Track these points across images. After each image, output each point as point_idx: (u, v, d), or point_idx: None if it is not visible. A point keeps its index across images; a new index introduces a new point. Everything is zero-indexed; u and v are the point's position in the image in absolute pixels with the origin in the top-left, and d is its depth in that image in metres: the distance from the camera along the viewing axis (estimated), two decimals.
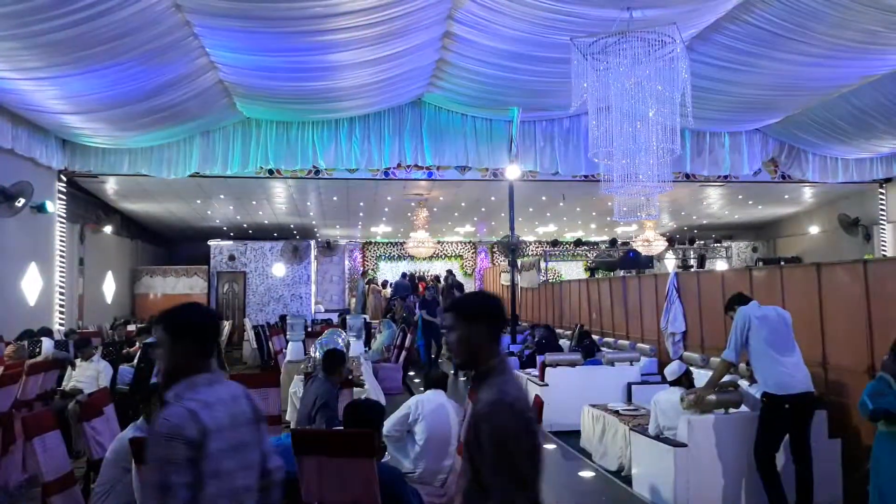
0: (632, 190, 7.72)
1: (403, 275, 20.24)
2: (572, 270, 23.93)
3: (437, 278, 20.39)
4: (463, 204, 16.06)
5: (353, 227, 20.14)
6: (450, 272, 20.60)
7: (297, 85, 9.49)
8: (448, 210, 16.86)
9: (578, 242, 21.19)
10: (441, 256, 23.66)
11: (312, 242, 19.93)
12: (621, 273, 18.93)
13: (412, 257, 22.54)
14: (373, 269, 22.89)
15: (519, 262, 15.83)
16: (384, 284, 20.51)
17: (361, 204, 15.80)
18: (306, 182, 12.97)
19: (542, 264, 17.29)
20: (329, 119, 11.49)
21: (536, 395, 3.84)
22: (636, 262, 17.02)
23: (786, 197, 16.22)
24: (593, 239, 23.64)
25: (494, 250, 24.10)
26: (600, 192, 8.08)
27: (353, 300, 21.07)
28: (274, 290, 19.06)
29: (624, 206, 8.04)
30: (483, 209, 16.84)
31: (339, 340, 7.11)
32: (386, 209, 16.54)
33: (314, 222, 18.92)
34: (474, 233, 22.39)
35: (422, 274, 22.78)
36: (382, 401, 6.71)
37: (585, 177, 12.35)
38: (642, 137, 7.10)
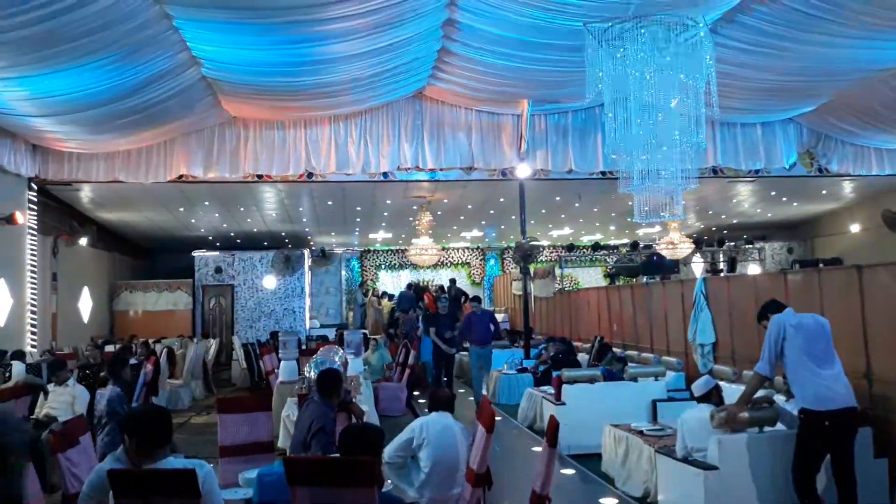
0: (654, 188, 7.71)
1: (409, 286, 20.27)
2: (590, 277, 23.89)
3: (441, 288, 20.41)
4: (469, 206, 16.08)
5: (349, 234, 20.16)
6: (453, 281, 20.62)
7: (287, 80, 9.55)
8: (453, 213, 16.88)
9: (596, 246, 21.17)
10: (446, 264, 23.69)
11: (306, 251, 19.97)
12: (644, 279, 18.91)
13: (415, 266, 22.61)
14: (372, 280, 22.93)
15: (532, 268, 15.83)
16: (381, 296, 20.54)
17: (359, 209, 15.84)
18: (299, 186, 13.00)
19: (558, 271, 17.29)
20: (322, 117, 11.53)
21: (552, 416, 3.83)
22: (660, 266, 17.00)
23: (823, 192, 16.17)
24: (613, 242, 23.60)
25: (504, 257, 24.10)
26: (619, 190, 8.06)
27: (352, 314, 21.14)
28: (264, 304, 19.11)
29: (645, 206, 8.02)
30: (491, 212, 16.85)
31: (336, 359, 7.11)
32: (385, 214, 16.57)
33: (307, 230, 18.98)
34: (482, 238, 22.40)
35: (426, 284, 22.82)
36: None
37: (603, 174, 12.36)
38: (664, 130, 7.10)
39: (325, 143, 11.57)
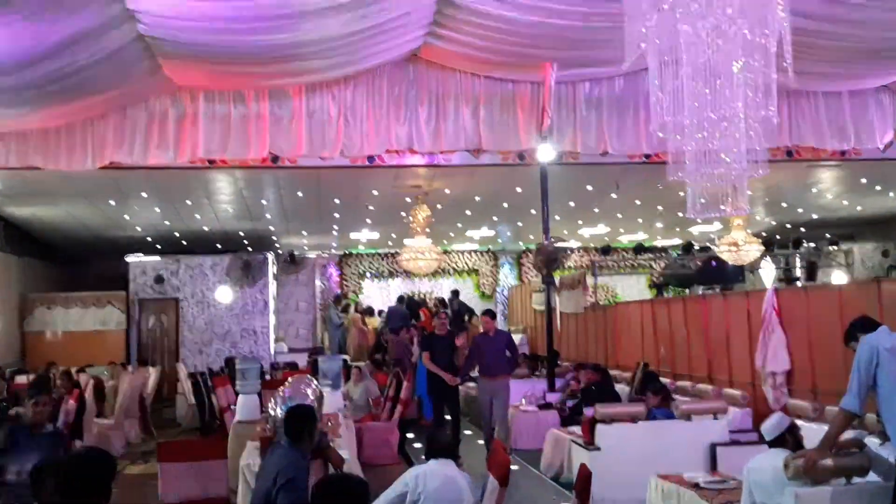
0: (712, 174, 7.71)
1: (400, 299, 20.32)
2: (632, 288, 23.91)
3: (441, 302, 20.43)
4: (477, 199, 16.10)
5: (326, 233, 20.19)
6: (455, 294, 20.65)
7: (246, 39, 9.56)
8: (457, 208, 16.91)
9: (639, 249, 21.19)
10: (448, 272, 23.76)
11: (270, 256, 20.03)
12: (700, 290, 18.94)
13: (408, 274, 22.60)
14: (354, 292, 22.99)
15: (557, 277, 15.83)
16: (366, 312, 20.58)
17: (337, 201, 15.87)
18: (261, 174, 12.98)
19: (590, 280, 17.30)
20: (290, 87, 11.57)
21: (583, 465, 3.84)
22: (720, 274, 17.04)
23: None
24: (660, 243, 23.61)
25: (522, 262, 24.12)
26: (668, 177, 8.07)
27: (328, 335, 21.16)
28: (218, 322, 19.15)
29: (701, 197, 8.00)
30: (505, 205, 16.89)
31: (309, 392, 7.12)
32: (371, 208, 16.60)
33: (272, 228, 19.04)
34: (494, 239, 22.41)
35: (423, 297, 22.86)
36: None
37: (647, 157, 12.38)
38: (725, 101, 7.11)
39: (294, 120, 11.58)
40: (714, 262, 17.65)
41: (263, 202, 15.81)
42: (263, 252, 19.98)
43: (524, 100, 12.13)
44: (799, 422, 6.12)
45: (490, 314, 11.21)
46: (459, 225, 19.64)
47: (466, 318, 19.13)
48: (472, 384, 12.78)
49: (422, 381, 14.33)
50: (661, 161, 11.70)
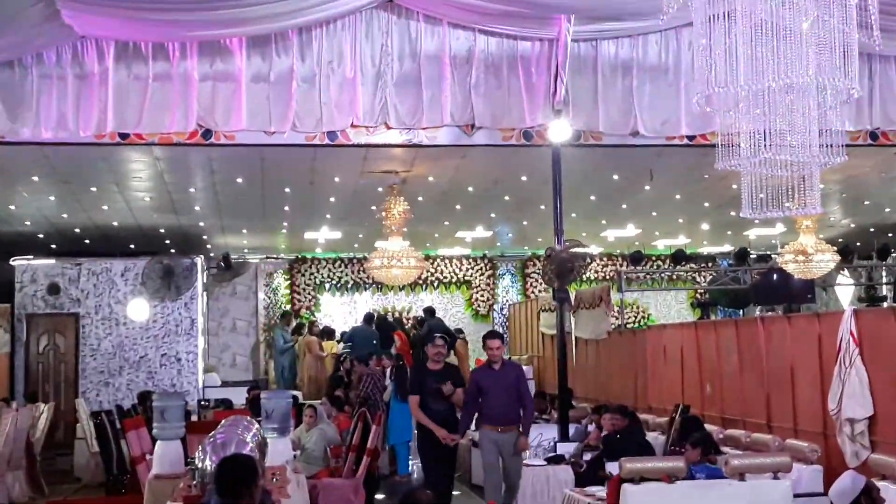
0: (773, 161, 7.74)
1: (368, 317, 20.23)
2: (669, 307, 23.93)
3: (420, 322, 20.39)
4: (470, 189, 16.10)
5: (272, 231, 20.13)
6: (429, 313, 20.53)
7: None
8: (443, 201, 16.92)
9: (680, 257, 21.21)
10: (434, 283, 23.72)
11: (200, 260, 19.91)
12: (757, 311, 18.95)
13: (380, 286, 22.56)
14: (308, 308, 22.93)
15: (573, 292, 15.81)
16: (323, 334, 20.48)
17: (287, 191, 15.84)
18: (188, 152, 12.94)
19: (615, 296, 17.30)
20: (227, 39, 11.53)
21: None
22: (783, 291, 17.06)
23: None
24: (706, 250, 23.64)
25: (528, 272, 24.12)
26: (717, 166, 8.08)
27: (274, 363, 21.06)
28: (130, 346, 19.03)
29: (760, 192, 8.05)
30: (507, 198, 16.89)
31: (249, 438, 7.10)
32: (332, 200, 16.59)
33: (202, 224, 18.98)
34: (491, 241, 22.38)
35: (398, 315, 22.79)
36: None
37: (689, 139, 12.39)
38: (791, 68, 7.12)
39: (231, 84, 11.55)
40: (775, 276, 17.68)
41: (191, 190, 15.75)
42: (191, 255, 19.85)
43: (532, 63, 12.12)
44: (882, 483, 6.14)
45: (496, 337, 10.65)
46: (447, 223, 19.59)
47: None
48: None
49: (396, 424, 14.36)
50: (707, 144, 11.73)
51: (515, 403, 10.26)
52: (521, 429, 10.29)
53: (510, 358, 19.31)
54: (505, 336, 22.15)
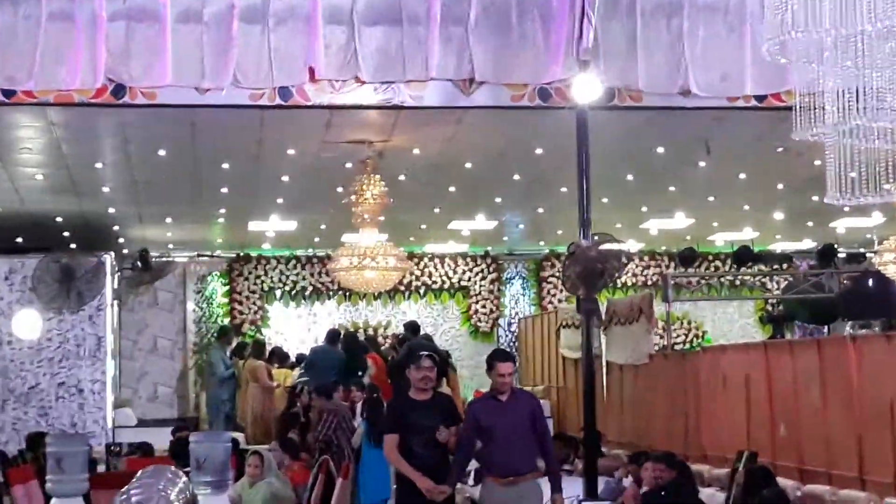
0: (868, 130, 7.74)
1: (332, 335, 20.10)
2: (730, 322, 23.97)
3: (400, 341, 20.33)
4: (468, 165, 16.16)
5: (205, 221, 20.20)
6: (411, 329, 20.28)
7: None
8: (433, 181, 17.01)
9: (744, 256, 21.25)
10: (420, 290, 23.73)
11: (109, 259, 19.87)
12: (847, 328, 18.89)
13: (348, 294, 22.50)
14: (253, 323, 22.90)
15: (604, 302, 15.79)
16: (274, 357, 20.41)
17: (226, 167, 15.86)
18: (93, 115, 12.97)
19: (659, 308, 17.29)
20: None
21: None
22: (880, 301, 17.02)
23: None
24: (779, 247, 23.66)
25: (544, 276, 24.11)
26: (794, 135, 8.09)
27: (206, 396, 20.98)
28: (16, 372, 18.99)
29: (851, 170, 8.07)
30: (516, 177, 16.97)
31: (174, 496, 7.08)
32: (285, 179, 16.65)
33: (113, 211, 19.01)
34: (496, 234, 22.38)
35: (373, 332, 22.75)
36: None
37: (757, 101, 12.40)
38: (893, 7, 7.13)
39: (152, 24, 11.52)
40: (871, 281, 17.67)
41: (98, 166, 15.74)
42: (97, 252, 19.83)
43: (549, 3, 12.13)
44: None
45: (507, 359, 10.26)
46: (437, 210, 19.61)
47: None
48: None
49: (370, 477, 14.31)
50: (781, 106, 11.72)
51: (529, 446, 9.95)
52: (550, 482, 9.99)
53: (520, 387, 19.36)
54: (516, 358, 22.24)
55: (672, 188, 17.98)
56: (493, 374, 10.03)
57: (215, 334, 21.77)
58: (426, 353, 11.01)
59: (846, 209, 15.38)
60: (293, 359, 20.87)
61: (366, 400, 15.49)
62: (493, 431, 9.88)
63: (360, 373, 18.31)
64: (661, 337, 18.06)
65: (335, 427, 14.94)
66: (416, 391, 10.29)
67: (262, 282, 23.17)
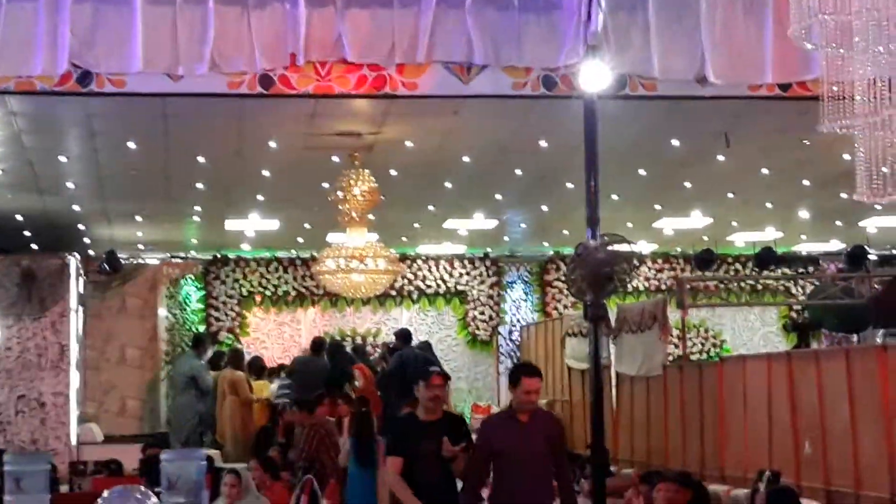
0: None
1: (317, 344, 20.05)
2: (751, 330, 23.98)
3: (390, 351, 20.29)
4: (466, 159, 16.19)
5: (179, 219, 20.21)
6: (402, 338, 20.09)
7: None
8: (427, 176, 17.05)
9: (767, 258, 21.28)
10: (413, 295, 23.73)
11: (74, 261, 19.87)
12: (879, 336, 18.91)
13: (335, 299, 22.46)
14: (230, 331, 22.88)
15: (613, 308, 15.79)
16: (253, 369, 20.37)
17: (202, 161, 15.88)
18: (56, 105, 13.01)
19: (673, 314, 17.30)
20: None
21: None
22: None
23: None
24: (805, 248, 23.66)
25: (548, 280, 24.11)
26: (820, 127, 8.10)
27: (180, 409, 20.94)
28: None
29: (883, 165, 8.07)
30: (518, 172, 17.01)
31: None
32: (266, 174, 16.67)
33: (78, 209, 19.03)
34: (497, 235, 22.39)
35: (361, 342, 22.74)
36: None
37: (781, 90, 12.41)
38: None
39: (120, 6, 11.53)
40: None
41: (62, 159, 15.74)
42: (60, 254, 19.83)
43: None
44: None
45: (536, 374, 9.74)
46: (431, 208, 19.62)
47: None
48: None
49: (356, 497, 14.30)
50: (807, 96, 11.73)
51: (548, 476, 9.64)
52: None
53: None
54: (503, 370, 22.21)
55: (688, 184, 17.99)
56: (518, 391, 9.60)
57: (190, 343, 21.63)
58: (435, 368, 11.09)
59: (877, 207, 15.38)
60: (274, 371, 20.86)
61: (353, 415, 15.45)
62: (509, 457, 9.51)
63: (346, 385, 18.29)
64: (676, 346, 18.09)
65: (319, 444, 14.91)
66: (424, 411, 9.98)
67: (240, 286, 23.17)
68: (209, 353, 21.09)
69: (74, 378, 19.61)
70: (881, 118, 7.62)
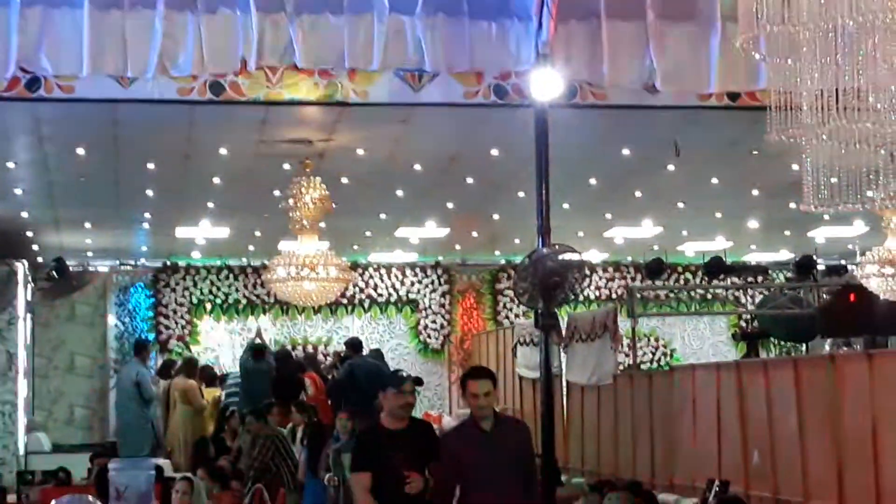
0: (849, 131, 7.77)
1: (256, 349, 19.84)
2: (700, 339, 24.05)
3: (342, 359, 20.23)
4: (417, 167, 16.19)
5: (128, 227, 20.12)
6: (352, 347, 19.98)
7: None
8: (379, 184, 17.02)
9: (716, 268, 21.35)
10: (364, 304, 23.68)
11: (21, 267, 19.74)
12: (826, 346, 19.00)
13: (286, 307, 22.36)
14: (181, 338, 22.76)
15: (564, 317, 15.79)
16: (203, 376, 20.26)
17: (151, 167, 15.80)
18: (5, 109, 12.87)
19: (624, 324, 17.33)
20: None
21: None
22: (864, 316, 17.10)
23: None
24: (754, 258, 23.75)
25: (499, 289, 24.11)
26: (768, 136, 8.12)
27: (128, 416, 20.81)
28: None
29: (831, 175, 8.10)
30: (469, 181, 17.00)
31: None
32: (216, 181, 16.61)
33: (26, 215, 18.92)
34: (448, 243, 22.36)
35: (312, 349, 22.67)
36: None
37: (730, 99, 12.46)
38: None
39: (69, 9, 11.46)
40: (852, 295, 17.77)
41: (9, 165, 15.65)
42: (8, 260, 19.69)
43: None
44: None
45: (483, 376, 9.14)
46: (383, 216, 19.58)
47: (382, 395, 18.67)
48: None
49: None
50: (756, 106, 11.77)
51: (519, 490, 8.94)
52: None
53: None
54: (455, 379, 22.14)
55: (638, 194, 18.01)
56: (468, 396, 9.10)
57: (137, 351, 21.35)
58: (406, 374, 9.92)
59: (825, 217, 15.46)
60: (217, 378, 20.79)
61: (306, 424, 15.39)
62: (476, 470, 8.92)
63: (289, 394, 18.17)
64: (627, 355, 18.11)
65: (274, 453, 14.81)
66: (391, 419, 9.32)
67: (190, 294, 23.07)
68: (155, 360, 20.96)
69: (22, 386, 19.49)
70: (828, 129, 7.65)
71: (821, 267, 21.14)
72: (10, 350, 19.06)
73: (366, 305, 23.71)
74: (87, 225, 19.81)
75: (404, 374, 9.82)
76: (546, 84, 11.78)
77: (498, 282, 24.23)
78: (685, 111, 12.92)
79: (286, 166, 15.22)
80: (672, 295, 23.72)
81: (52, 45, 11.47)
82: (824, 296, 19.00)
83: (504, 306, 24.04)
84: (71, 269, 21.77)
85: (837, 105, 7.57)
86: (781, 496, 11.66)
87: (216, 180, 16.39)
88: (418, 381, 9.62)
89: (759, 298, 22.77)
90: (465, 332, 24.21)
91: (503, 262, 24.04)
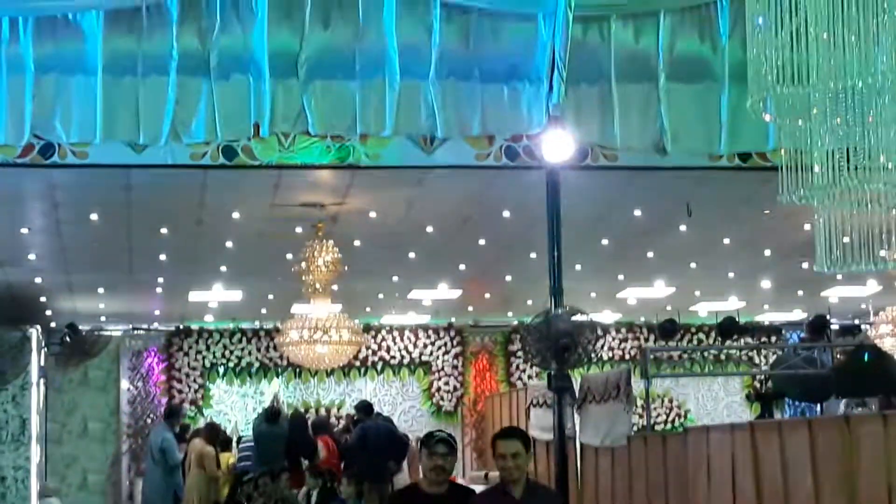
0: (862, 193, 7.77)
1: (271, 414, 19.77)
2: (714, 399, 23.97)
3: (354, 422, 20.16)
4: (429, 229, 16.21)
5: (142, 291, 20.09)
6: (363, 410, 19.86)
7: None
8: (391, 246, 17.03)
9: (730, 328, 21.18)
10: (377, 366, 23.62)
11: (35, 333, 19.72)
12: (841, 406, 18.91)
13: (299, 370, 22.30)
14: (194, 403, 22.68)
15: (577, 378, 15.73)
16: (216, 438, 20.16)
17: (164, 232, 15.84)
18: (18, 177, 12.95)
19: (637, 385, 17.26)
20: (76, 11, 11.50)
21: None
22: (879, 377, 17.02)
23: None
24: (767, 318, 23.67)
25: (512, 350, 24.04)
26: (781, 198, 8.11)
27: (143, 483, 20.72)
28: None
29: (843, 235, 8.08)
30: (482, 242, 17.04)
31: None
32: (229, 245, 16.65)
33: (40, 281, 18.93)
34: (461, 305, 22.33)
35: (324, 412, 22.60)
36: None
37: (742, 160, 12.45)
38: (888, 59, 7.18)
39: (83, 77, 11.48)
40: (867, 355, 17.68)
41: (23, 231, 15.67)
42: (21, 326, 19.68)
43: (517, 51, 12.10)
44: None
45: (513, 436, 8.62)
46: (395, 279, 19.58)
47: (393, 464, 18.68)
48: None
49: None
50: (767, 167, 11.77)
51: None
52: None
53: (486, 475, 19.21)
54: (468, 442, 21.96)
55: (651, 254, 18.02)
56: (497, 458, 8.48)
57: (166, 414, 21.18)
58: (442, 433, 9.05)
59: (838, 277, 15.44)
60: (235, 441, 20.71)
61: (320, 489, 15.35)
62: None
63: (301, 457, 18.10)
64: (641, 416, 18.01)
65: None
66: (427, 482, 8.84)
67: (203, 357, 23.05)
68: (182, 423, 20.90)
69: (35, 452, 19.46)
70: (840, 189, 7.64)
71: (834, 327, 21.03)
72: (24, 415, 19.06)
73: (378, 368, 23.68)
74: (101, 290, 19.85)
75: (438, 433, 9.03)
76: (557, 146, 11.78)
77: (511, 343, 24.21)
78: (696, 172, 12.90)
79: (298, 230, 15.26)
80: (685, 355, 23.67)
81: (66, 111, 11.48)
82: (838, 356, 18.89)
83: (517, 367, 24.02)
84: (84, 333, 21.71)
85: (848, 165, 7.58)
86: None
87: (229, 244, 16.43)
88: (449, 444, 8.77)
89: (772, 359, 22.66)
90: (477, 394, 24.23)
91: (515, 323, 23.99)
